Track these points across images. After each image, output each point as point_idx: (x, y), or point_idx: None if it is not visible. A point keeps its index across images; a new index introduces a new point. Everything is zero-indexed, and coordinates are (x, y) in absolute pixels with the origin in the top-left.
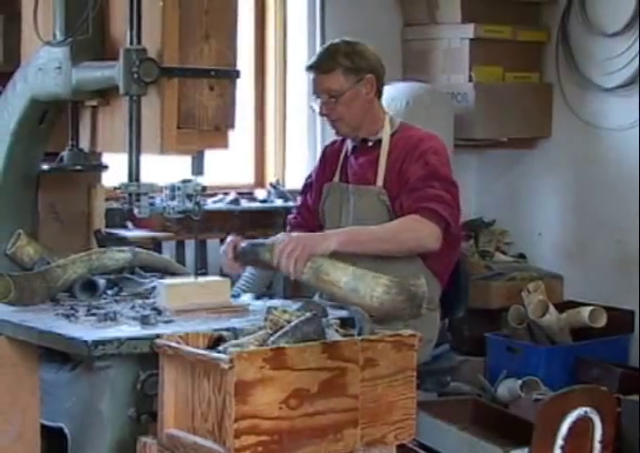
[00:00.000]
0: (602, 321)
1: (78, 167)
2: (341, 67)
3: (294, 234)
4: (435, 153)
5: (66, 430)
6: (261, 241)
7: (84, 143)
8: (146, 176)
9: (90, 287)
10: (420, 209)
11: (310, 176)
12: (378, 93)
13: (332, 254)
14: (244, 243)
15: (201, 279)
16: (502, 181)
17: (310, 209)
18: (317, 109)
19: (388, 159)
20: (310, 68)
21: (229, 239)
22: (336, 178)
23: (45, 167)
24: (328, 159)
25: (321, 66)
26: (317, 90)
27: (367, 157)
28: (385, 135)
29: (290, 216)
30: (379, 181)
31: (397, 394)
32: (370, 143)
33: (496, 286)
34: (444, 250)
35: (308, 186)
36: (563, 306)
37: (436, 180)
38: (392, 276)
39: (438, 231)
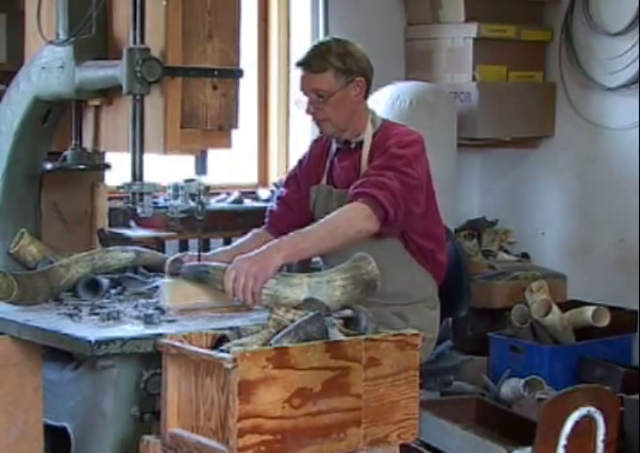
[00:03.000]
0: (605, 320)
1: (82, 166)
2: (333, 68)
3: (239, 262)
4: (400, 147)
5: (69, 429)
6: (204, 268)
7: (87, 143)
8: (149, 176)
9: (93, 286)
10: (359, 193)
11: (294, 169)
12: (366, 95)
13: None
14: (188, 263)
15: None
16: (505, 181)
17: (294, 202)
18: (303, 106)
19: (369, 160)
20: (299, 65)
21: (177, 256)
22: (323, 181)
23: (49, 166)
24: (315, 157)
25: (312, 65)
26: (305, 88)
27: (350, 160)
28: (367, 136)
29: (271, 206)
30: None
31: (400, 394)
32: (352, 146)
33: (500, 285)
34: (428, 248)
35: (292, 178)
36: (566, 305)
37: (390, 170)
38: (342, 269)
39: (372, 214)
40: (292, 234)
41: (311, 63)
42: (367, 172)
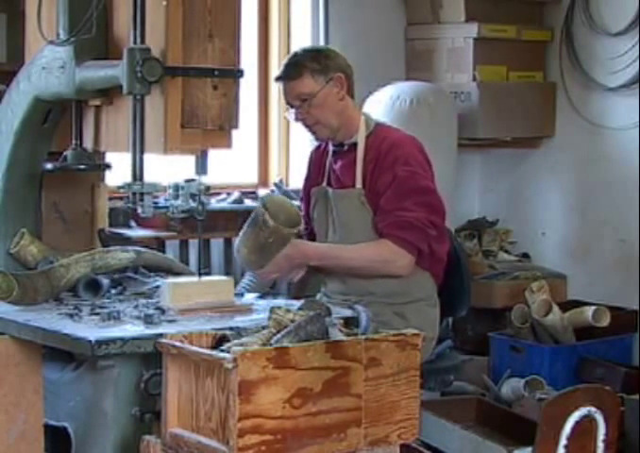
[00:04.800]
0: (606, 320)
1: (82, 166)
2: (308, 70)
3: (280, 259)
4: (405, 163)
5: (70, 430)
6: None
7: (88, 143)
8: (150, 176)
9: (93, 286)
10: (392, 236)
11: (303, 184)
12: (351, 93)
13: None
14: None
15: (205, 279)
16: (506, 181)
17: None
18: (291, 119)
19: (364, 162)
20: (278, 78)
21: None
22: (324, 183)
23: (49, 166)
24: (315, 164)
25: (289, 73)
26: (289, 97)
27: (345, 160)
28: (360, 137)
29: (300, 227)
30: (358, 183)
31: (401, 394)
32: (345, 147)
33: (500, 285)
34: (430, 247)
35: (304, 193)
36: (566, 305)
37: (407, 198)
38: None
39: (410, 259)
40: (330, 251)
41: (288, 72)
42: (385, 206)
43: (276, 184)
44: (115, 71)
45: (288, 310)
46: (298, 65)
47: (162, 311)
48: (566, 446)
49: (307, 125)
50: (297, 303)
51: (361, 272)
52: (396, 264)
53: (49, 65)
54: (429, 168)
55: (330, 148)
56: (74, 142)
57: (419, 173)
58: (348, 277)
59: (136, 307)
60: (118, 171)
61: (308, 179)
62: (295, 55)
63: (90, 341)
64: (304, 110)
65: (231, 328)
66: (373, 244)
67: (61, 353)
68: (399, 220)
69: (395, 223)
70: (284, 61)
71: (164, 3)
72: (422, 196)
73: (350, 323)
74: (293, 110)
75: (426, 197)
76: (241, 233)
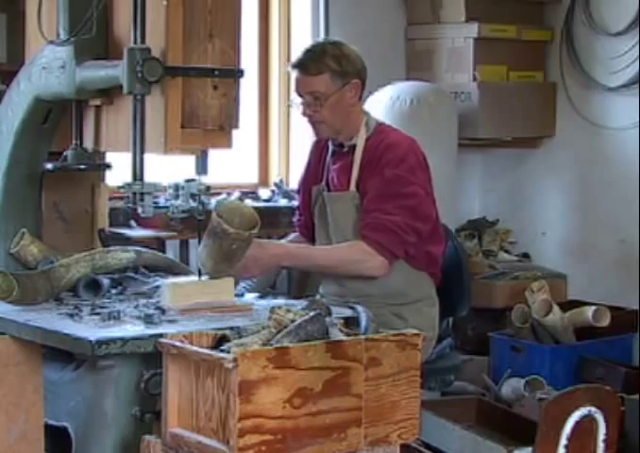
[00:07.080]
0: (606, 320)
1: (82, 166)
2: (329, 70)
3: (251, 259)
4: (395, 166)
5: (70, 429)
6: None
7: (88, 143)
8: (150, 176)
9: (93, 286)
10: (366, 237)
11: (302, 175)
12: (360, 97)
13: None
14: None
15: (205, 279)
16: (506, 180)
17: (305, 210)
18: (298, 109)
19: (361, 164)
20: (295, 67)
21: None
22: (323, 182)
23: (49, 166)
24: (315, 159)
25: (308, 67)
26: (301, 90)
27: (342, 162)
28: (360, 140)
29: (294, 219)
30: (352, 186)
31: (401, 394)
32: (345, 148)
33: (500, 285)
34: (420, 248)
35: (302, 185)
36: (566, 305)
37: (388, 200)
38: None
39: (381, 261)
40: (299, 251)
41: (308, 66)
42: (367, 206)
43: (276, 184)
44: (115, 71)
45: (288, 310)
46: (320, 62)
47: (162, 311)
48: (567, 446)
49: (311, 122)
50: (297, 303)
51: (331, 271)
52: (366, 265)
53: (49, 65)
54: (422, 172)
55: (330, 148)
56: (74, 142)
57: (406, 177)
58: (344, 280)
59: (136, 307)
60: (118, 171)
61: (306, 174)
62: (317, 48)
63: (90, 341)
64: (313, 108)
65: (231, 328)
66: (345, 245)
67: (61, 353)
68: (376, 222)
69: (371, 224)
70: (305, 51)
71: (164, 3)
72: (404, 200)
73: (350, 323)
74: (300, 101)
75: (409, 202)
76: (201, 247)
